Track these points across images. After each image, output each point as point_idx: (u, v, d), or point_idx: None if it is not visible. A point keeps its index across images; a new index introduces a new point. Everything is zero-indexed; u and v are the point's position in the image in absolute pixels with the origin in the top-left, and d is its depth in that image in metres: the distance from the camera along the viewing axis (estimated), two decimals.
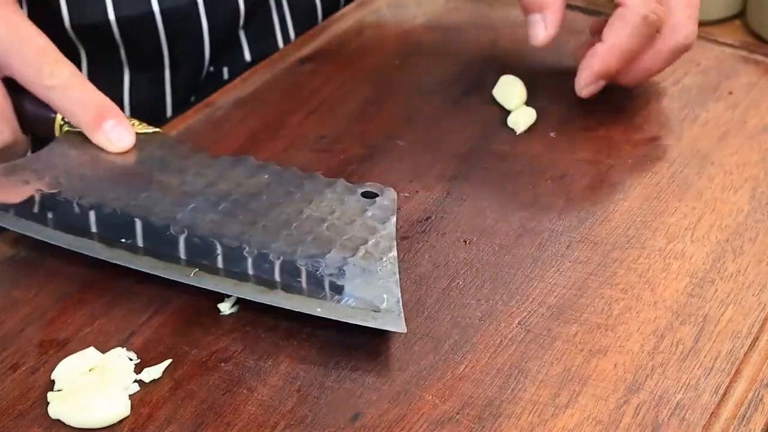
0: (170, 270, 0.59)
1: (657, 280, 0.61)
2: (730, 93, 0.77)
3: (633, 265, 0.62)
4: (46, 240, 0.62)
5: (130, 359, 0.56)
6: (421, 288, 0.61)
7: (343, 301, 0.57)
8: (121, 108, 0.70)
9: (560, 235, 0.64)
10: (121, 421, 0.53)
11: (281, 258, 0.59)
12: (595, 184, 0.68)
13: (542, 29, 0.71)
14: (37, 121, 0.69)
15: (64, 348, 0.57)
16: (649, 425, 0.53)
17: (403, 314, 0.56)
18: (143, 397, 0.54)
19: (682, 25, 0.70)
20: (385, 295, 0.57)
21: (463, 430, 0.53)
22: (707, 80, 0.78)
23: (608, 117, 0.75)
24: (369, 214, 0.63)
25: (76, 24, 0.79)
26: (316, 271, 0.58)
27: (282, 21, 0.88)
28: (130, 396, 0.54)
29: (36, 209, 0.63)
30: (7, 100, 0.68)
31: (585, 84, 0.71)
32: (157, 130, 0.69)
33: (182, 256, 0.60)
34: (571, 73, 0.79)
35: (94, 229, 0.61)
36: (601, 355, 0.56)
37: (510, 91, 0.74)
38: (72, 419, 0.53)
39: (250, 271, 0.59)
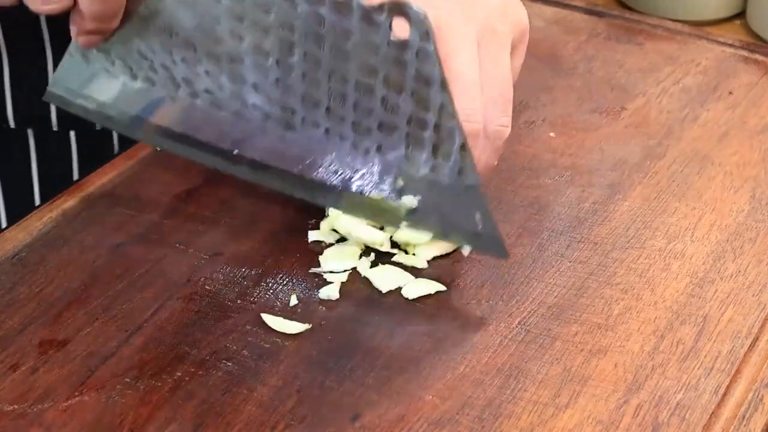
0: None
1: (657, 280, 0.61)
2: (730, 93, 0.77)
3: (633, 265, 0.62)
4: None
5: None
6: None
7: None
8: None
9: (560, 235, 0.64)
10: (121, 421, 0.53)
11: (353, 174, 0.59)
12: (594, 184, 0.68)
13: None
14: None
15: (64, 348, 0.57)
16: (649, 425, 0.53)
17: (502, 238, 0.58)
18: (143, 397, 0.54)
19: (500, 119, 0.62)
20: (477, 216, 0.57)
21: (463, 430, 0.53)
22: (707, 80, 0.78)
23: (607, 117, 0.75)
24: (412, 71, 0.55)
25: None
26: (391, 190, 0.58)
27: None
28: (130, 395, 0.54)
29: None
30: None
31: None
32: None
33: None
34: (570, 74, 0.79)
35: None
36: (601, 355, 0.56)
37: None
38: None
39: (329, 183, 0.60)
